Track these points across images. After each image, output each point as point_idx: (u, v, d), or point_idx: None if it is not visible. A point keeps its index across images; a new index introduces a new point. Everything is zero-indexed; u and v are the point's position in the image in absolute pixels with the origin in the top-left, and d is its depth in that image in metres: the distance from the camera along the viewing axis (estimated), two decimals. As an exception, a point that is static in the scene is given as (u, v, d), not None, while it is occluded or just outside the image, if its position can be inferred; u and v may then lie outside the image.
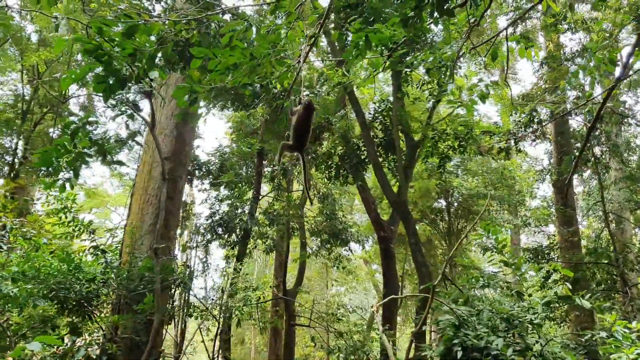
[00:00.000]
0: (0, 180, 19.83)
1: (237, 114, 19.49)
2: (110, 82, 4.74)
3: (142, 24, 4.49)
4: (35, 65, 20.12)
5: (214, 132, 57.58)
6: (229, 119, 22.78)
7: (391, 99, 15.19)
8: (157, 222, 11.82)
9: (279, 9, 5.38)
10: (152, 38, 5.12)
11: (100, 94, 5.05)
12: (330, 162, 15.59)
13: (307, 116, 5.77)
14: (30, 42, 20.81)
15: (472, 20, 5.83)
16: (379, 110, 15.69)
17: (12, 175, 19.03)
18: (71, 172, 8.26)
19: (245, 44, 4.91)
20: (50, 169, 7.05)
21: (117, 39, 4.42)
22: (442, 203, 22.97)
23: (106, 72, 4.73)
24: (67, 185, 6.59)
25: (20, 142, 21.47)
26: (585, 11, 19.92)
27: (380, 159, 15.15)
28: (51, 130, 21.68)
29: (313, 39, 5.29)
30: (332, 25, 10.91)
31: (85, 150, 8.75)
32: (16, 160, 20.86)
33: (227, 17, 9.00)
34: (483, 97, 5.98)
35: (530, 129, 17.95)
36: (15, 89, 22.66)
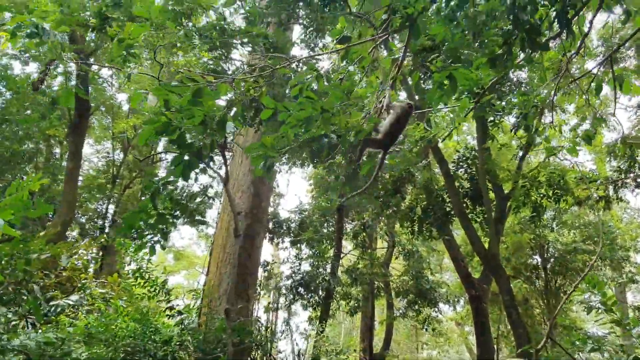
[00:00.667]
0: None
1: (318, 170, 19.31)
2: (187, 158, 4.51)
3: (207, 86, 4.23)
4: (125, 132, 20.98)
5: (296, 189, 58.23)
6: (310, 176, 22.67)
7: (476, 146, 14.41)
8: (235, 282, 11.54)
9: (350, 54, 4.99)
10: (222, 102, 4.90)
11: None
12: (413, 216, 14.81)
13: (405, 118, 5.11)
14: (121, 110, 21.85)
15: (566, 55, 5.19)
16: (464, 158, 14.88)
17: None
18: (158, 234, 8.09)
19: (318, 95, 4.51)
20: (135, 232, 6.87)
21: (183, 106, 4.19)
22: (538, 259, 21.40)
23: (180, 149, 4.51)
24: (158, 247, 6.43)
25: (111, 206, 22.28)
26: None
27: (467, 211, 14.24)
28: (140, 193, 22.43)
29: (392, 80, 4.82)
30: (411, 68, 10.46)
31: (168, 211, 8.59)
32: (106, 223, 21.59)
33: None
34: (589, 138, 5.23)
35: (632, 175, 16.48)
36: (108, 156, 23.74)
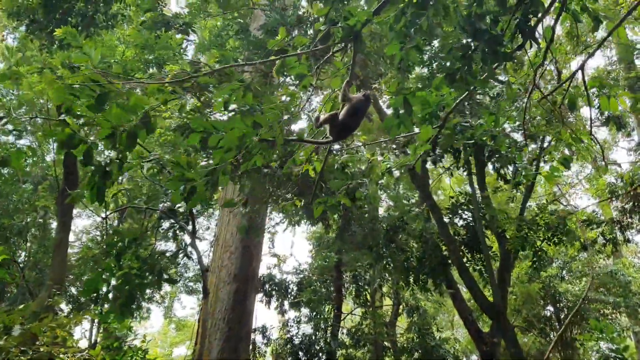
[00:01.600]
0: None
1: (316, 229, 18.82)
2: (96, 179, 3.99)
3: (113, 89, 3.78)
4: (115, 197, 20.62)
5: (299, 250, 57.53)
6: (310, 236, 22.17)
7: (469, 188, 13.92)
8: (225, 350, 10.86)
9: (283, 67, 4.62)
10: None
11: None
12: (408, 266, 14.10)
13: (361, 109, 4.62)
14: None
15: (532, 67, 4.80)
16: (458, 203, 14.32)
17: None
18: (125, 297, 7.52)
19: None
20: (99, 297, 6.35)
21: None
22: (551, 309, 20.44)
23: (86, 166, 4.00)
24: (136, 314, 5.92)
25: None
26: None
27: (465, 260, 13.56)
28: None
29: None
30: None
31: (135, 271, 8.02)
32: (101, 294, 20.90)
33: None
34: (567, 161, 4.77)
35: (638, 218, 15.85)
36: (104, 226, 23.36)
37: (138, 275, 7.61)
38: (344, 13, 4.20)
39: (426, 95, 4.59)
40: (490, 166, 13.24)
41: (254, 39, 11.78)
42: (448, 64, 4.77)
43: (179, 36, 10.77)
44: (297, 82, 5.27)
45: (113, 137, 3.68)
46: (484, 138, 5.52)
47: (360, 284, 16.66)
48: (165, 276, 8.59)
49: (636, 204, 15.42)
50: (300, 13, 10.63)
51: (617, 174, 17.12)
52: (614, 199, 16.26)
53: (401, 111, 4.59)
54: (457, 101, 4.87)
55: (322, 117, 4.79)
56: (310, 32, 11.25)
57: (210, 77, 7.92)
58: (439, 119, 5.01)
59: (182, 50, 10.04)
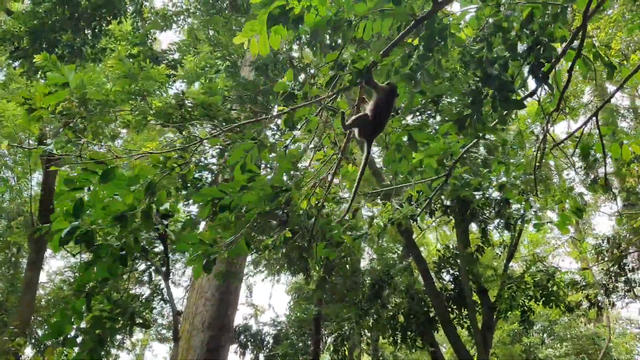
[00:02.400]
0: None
1: (296, 281, 18.33)
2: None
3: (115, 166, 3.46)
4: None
5: (278, 301, 56.27)
6: (289, 289, 21.56)
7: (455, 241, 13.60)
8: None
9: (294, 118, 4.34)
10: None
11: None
12: (395, 324, 13.56)
13: (390, 100, 4.27)
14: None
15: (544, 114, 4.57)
16: (444, 257, 13.94)
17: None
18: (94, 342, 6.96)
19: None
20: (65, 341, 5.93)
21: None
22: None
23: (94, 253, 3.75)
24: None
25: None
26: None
27: (452, 316, 13.09)
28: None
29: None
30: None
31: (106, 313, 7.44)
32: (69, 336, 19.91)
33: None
34: (579, 210, 4.50)
35: (623, 280, 15.67)
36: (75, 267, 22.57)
37: (109, 319, 7.09)
38: (352, 57, 3.97)
39: (431, 138, 4.34)
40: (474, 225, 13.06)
41: (243, 79, 11.61)
42: (455, 109, 4.57)
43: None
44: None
45: (124, 220, 3.40)
46: (478, 193, 5.30)
47: (339, 339, 16.04)
48: (139, 320, 8.06)
49: (621, 267, 15.27)
50: (292, 54, 10.50)
51: (601, 236, 17.04)
52: (597, 263, 16.12)
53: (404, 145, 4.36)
54: (465, 148, 4.60)
55: (350, 119, 4.42)
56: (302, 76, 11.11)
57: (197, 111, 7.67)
58: (444, 168, 4.72)
59: (168, 82, 9.79)
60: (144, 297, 10.68)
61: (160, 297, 10.12)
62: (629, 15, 11.50)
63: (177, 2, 13.63)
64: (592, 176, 14.87)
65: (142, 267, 11.33)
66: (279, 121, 11.13)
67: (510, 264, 14.77)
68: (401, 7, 3.93)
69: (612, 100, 21.20)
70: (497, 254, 15.28)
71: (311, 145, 5.66)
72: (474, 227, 13.70)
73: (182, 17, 13.38)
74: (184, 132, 7.47)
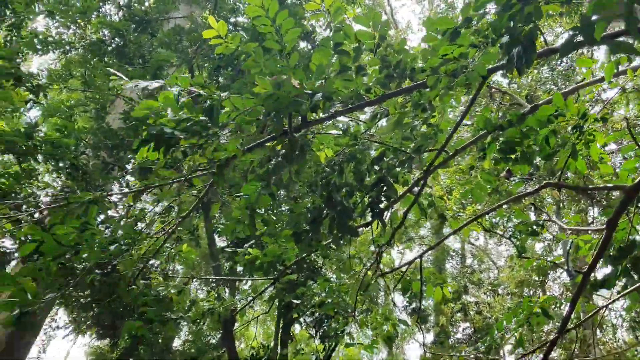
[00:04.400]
0: None
1: (100, 345, 16.97)
2: None
3: None
4: None
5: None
6: (91, 351, 19.79)
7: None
8: None
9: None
10: None
11: None
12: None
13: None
14: None
15: (377, 248, 4.93)
16: (257, 356, 13.79)
17: None
18: None
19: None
20: None
21: None
22: None
23: None
24: None
25: None
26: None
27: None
28: None
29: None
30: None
31: None
32: None
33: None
34: (389, 339, 4.77)
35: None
36: None
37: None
38: (216, 145, 4.09)
39: (270, 243, 4.48)
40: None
41: (106, 125, 11.20)
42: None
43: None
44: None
45: None
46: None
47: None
48: None
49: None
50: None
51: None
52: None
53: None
54: (297, 259, 4.78)
55: None
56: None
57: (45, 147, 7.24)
58: (276, 270, 4.85)
59: (24, 108, 9.19)
60: None
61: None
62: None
63: (61, 31, 13.08)
64: (412, 306, 15.88)
65: None
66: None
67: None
68: (272, 119, 4.14)
69: (446, 241, 23.20)
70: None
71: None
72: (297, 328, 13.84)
73: (62, 48, 12.81)
74: (22, 165, 6.99)
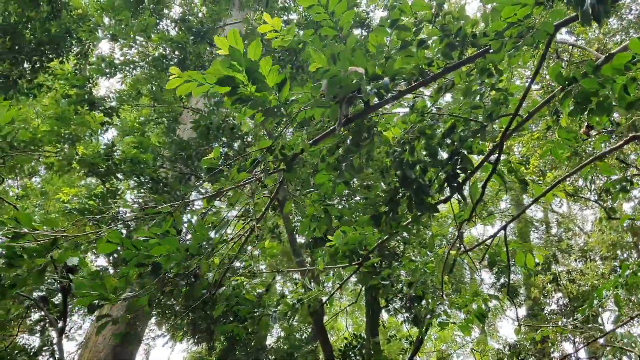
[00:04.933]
0: None
1: (198, 350, 17.62)
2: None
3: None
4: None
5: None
6: (190, 356, 20.60)
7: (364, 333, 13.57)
8: None
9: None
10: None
11: None
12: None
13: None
14: None
15: (456, 221, 4.84)
16: (350, 346, 13.87)
17: None
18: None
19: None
20: None
21: None
22: None
23: None
24: None
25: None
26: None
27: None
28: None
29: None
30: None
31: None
32: None
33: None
34: (482, 316, 4.70)
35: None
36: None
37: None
38: (283, 143, 4.14)
39: (349, 231, 4.48)
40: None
41: (178, 138, 11.57)
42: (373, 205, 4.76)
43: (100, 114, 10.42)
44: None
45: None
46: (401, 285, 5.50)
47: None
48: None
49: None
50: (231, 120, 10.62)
51: (504, 342, 17.54)
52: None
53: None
54: (379, 242, 4.76)
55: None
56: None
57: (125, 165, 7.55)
58: (359, 257, 4.86)
59: (101, 129, 9.65)
60: (31, 348, 9.96)
61: (49, 351, 9.45)
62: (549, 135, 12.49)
63: (126, 51, 13.66)
64: (501, 281, 15.50)
65: (36, 316, 10.65)
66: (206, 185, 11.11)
67: (416, 358, 14.84)
68: (333, 107, 4.13)
69: (527, 212, 22.46)
70: (405, 347, 15.38)
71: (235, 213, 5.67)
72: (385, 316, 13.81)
73: (128, 67, 13.37)
74: (106, 185, 7.33)
